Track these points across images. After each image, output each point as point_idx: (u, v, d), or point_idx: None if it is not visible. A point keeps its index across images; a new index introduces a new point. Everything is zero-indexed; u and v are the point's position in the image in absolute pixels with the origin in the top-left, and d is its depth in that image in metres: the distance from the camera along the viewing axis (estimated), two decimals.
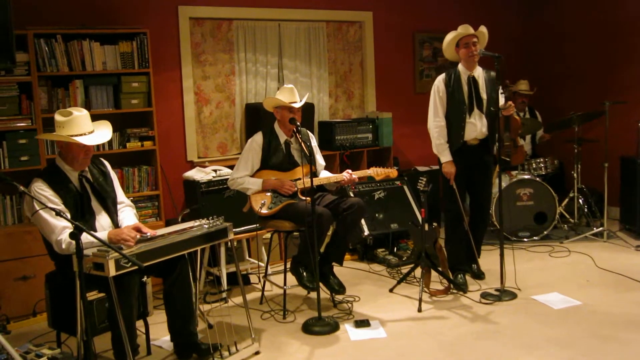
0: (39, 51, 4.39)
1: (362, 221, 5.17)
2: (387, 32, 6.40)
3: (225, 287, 4.60)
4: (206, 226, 3.40)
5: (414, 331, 3.84)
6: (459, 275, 4.60)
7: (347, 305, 4.27)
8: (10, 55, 3.96)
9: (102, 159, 3.53)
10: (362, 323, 3.93)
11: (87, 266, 2.87)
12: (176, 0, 5.26)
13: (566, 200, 6.07)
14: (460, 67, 4.53)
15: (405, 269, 4.85)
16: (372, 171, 4.25)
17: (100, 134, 3.31)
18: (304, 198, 4.08)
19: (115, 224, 3.38)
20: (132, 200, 3.72)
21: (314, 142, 4.41)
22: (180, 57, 5.30)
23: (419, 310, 4.14)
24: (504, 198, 4.58)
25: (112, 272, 2.85)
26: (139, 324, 3.45)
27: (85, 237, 2.79)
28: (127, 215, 3.47)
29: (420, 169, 6.31)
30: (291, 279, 4.22)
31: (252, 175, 4.20)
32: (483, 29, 4.47)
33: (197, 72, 5.45)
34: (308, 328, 3.88)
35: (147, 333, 3.62)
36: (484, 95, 4.50)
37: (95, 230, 3.24)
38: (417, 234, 4.43)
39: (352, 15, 6.20)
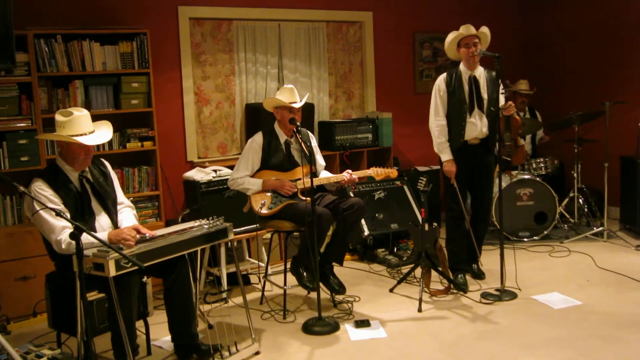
0: (39, 51, 4.39)
1: (362, 221, 5.17)
2: (387, 32, 6.40)
3: (226, 287, 4.60)
4: (206, 226, 3.40)
5: (414, 331, 3.84)
6: (459, 275, 4.60)
7: (347, 305, 4.27)
8: (10, 56, 3.95)
9: (102, 159, 3.52)
10: (362, 323, 3.93)
11: (87, 266, 2.87)
12: (176, 0, 5.26)
13: (566, 200, 6.07)
14: (461, 66, 4.54)
15: (405, 269, 4.85)
16: (372, 171, 4.25)
17: (101, 134, 3.31)
18: (304, 198, 4.08)
19: (115, 224, 3.38)
20: (132, 201, 3.72)
21: (314, 142, 4.41)
22: (180, 57, 5.30)
23: (419, 310, 4.14)
24: (504, 198, 4.58)
25: (112, 272, 2.85)
26: (139, 324, 3.45)
27: (85, 238, 2.80)
28: (127, 216, 3.47)
29: (420, 169, 6.31)
30: (291, 279, 4.22)
31: (252, 176, 4.20)
32: (485, 29, 4.47)
33: (197, 73, 5.45)
34: (308, 328, 3.89)
35: (147, 333, 3.62)
36: (484, 95, 4.51)
37: (95, 231, 3.23)
38: (417, 234, 4.43)
39: (352, 15, 6.20)
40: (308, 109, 5.42)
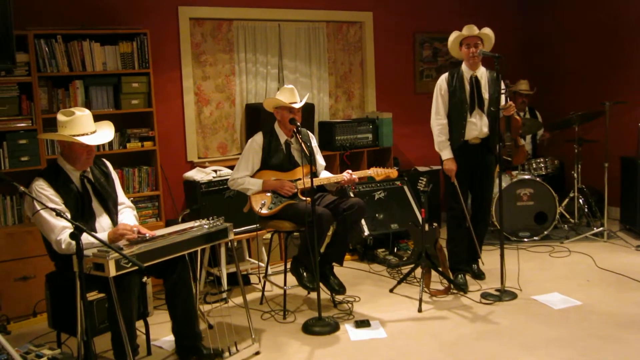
0: (39, 51, 4.39)
1: (363, 221, 5.17)
2: (387, 32, 6.40)
3: (226, 288, 4.60)
4: (206, 226, 3.40)
5: (414, 331, 3.84)
6: (459, 276, 4.60)
7: (348, 305, 4.27)
8: (10, 56, 3.95)
9: (104, 160, 3.52)
10: (363, 323, 3.93)
11: (87, 266, 2.87)
12: (176, 0, 5.26)
13: (566, 200, 6.07)
14: (463, 66, 4.56)
15: (405, 269, 4.85)
16: (372, 171, 4.25)
17: (103, 134, 3.32)
18: (304, 198, 4.08)
19: (116, 224, 3.37)
20: (132, 201, 3.72)
21: (314, 143, 4.41)
22: (180, 57, 5.30)
23: (419, 310, 4.14)
24: (504, 198, 4.58)
25: (113, 272, 2.85)
26: (139, 324, 3.45)
27: (85, 238, 2.80)
28: (127, 216, 3.47)
29: (421, 169, 6.31)
30: (291, 279, 4.22)
31: (253, 176, 4.20)
32: (487, 30, 4.46)
33: (197, 73, 5.45)
34: (308, 328, 3.89)
35: (147, 333, 3.62)
36: (485, 95, 4.52)
37: (96, 231, 3.23)
38: (417, 234, 4.43)
39: (352, 15, 6.20)
40: (308, 109, 5.42)
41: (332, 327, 3.87)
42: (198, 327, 3.47)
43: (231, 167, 4.58)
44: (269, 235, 4.81)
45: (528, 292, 4.37)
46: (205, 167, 5.16)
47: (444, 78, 4.60)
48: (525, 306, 4.16)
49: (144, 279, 3.51)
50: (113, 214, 3.40)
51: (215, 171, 4.92)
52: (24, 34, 4.30)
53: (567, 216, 6.10)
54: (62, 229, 3.05)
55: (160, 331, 3.86)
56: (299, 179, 4.14)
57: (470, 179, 4.62)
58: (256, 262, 4.97)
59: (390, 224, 5.41)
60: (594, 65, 6.63)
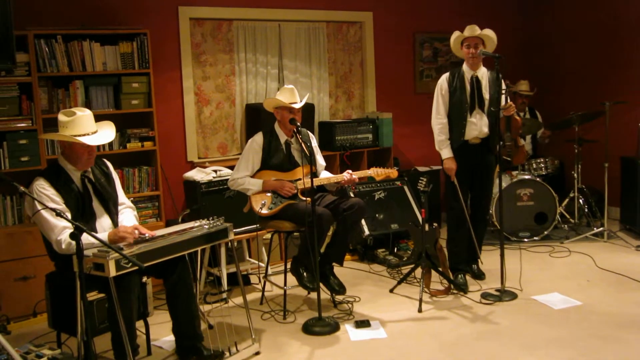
0: (39, 52, 4.39)
1: (363, 221, 5.17)
2: (387, 32, 6.40)
3: (226, 288, 4.60)
4: (206, 226, 3.40)
5: (415, 331, 3.84)
6: (459, 276, 4.61)
7: (348, 305, 4.27)
8: (10, 56, 3.95)
9: (104, 160, 3.52)
10: (363, 323, 3.93)
11: (87, 266, 2.87)
12: (176, 0, 5.26)
13: (566, 200, 6.07)
14: (464, 66, 4.57)
15: (405, 269, 4.85)
16: (373, 171, 4.25)
17: (104, 134, 3.32)
18: (304, 198, 4.08)
19: (116, 225, 3.38)
20: (132, 201, 3.72)
21: (314, 143, 4.41)
22: (180, 57, 5.30)
23: (419, 310, 4.14)
24: (504, 198, 4.58)
25: (113, 272, 2.85)
26: (139, 324, 3.45)
27: (85, 238, 2.80)
28: (127, 216, 3.47)
29: (421, 169, 6.31)
30: (291, 279, 4.22)
31: (253, 176, 4.20)
32: (488, 32, 4.46)
33: (197, 73, 5.45)
34: (308, 328, 3.89)
35: (147, 333, 3.62)
36: (486, 95, 4.53)
37: (96, 231, 3.24)
38: (417, 234, 4.43)
39: (352, 15, 6.20)
40: (308, 109, 5.42)
41: (332, 327, 3.87)
42: (199, 328, 3.47)
43: (231, 167, 4.58)
44: (269, 236, 4.81)
45: (528, 292, 4.37)
46: (205, 167, 5.16)
47: (444, 78, 4.61)
48: (525, 306, 4.16)
49: (144, 279, 3.51)
50: (113, 214, 3.40)
51: (216, 171, 4.92)
52: (24, 34, 4.30)
53: (567, 216, 6.10)
54: (62, 228, 3.06)
55: (160, 331, 3.86)
56: (299, 179, 4.14)
57: (470, 179, 4.63)
58: (256, 262, 4.97)
59: (391, 224, 5.41)
60: (594, 65, 6.63)
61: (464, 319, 4.00)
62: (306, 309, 4.31)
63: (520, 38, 7.21)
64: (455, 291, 4.45)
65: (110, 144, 4.74)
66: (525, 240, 5.72)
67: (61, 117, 3.21)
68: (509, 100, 4.45)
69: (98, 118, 3.38)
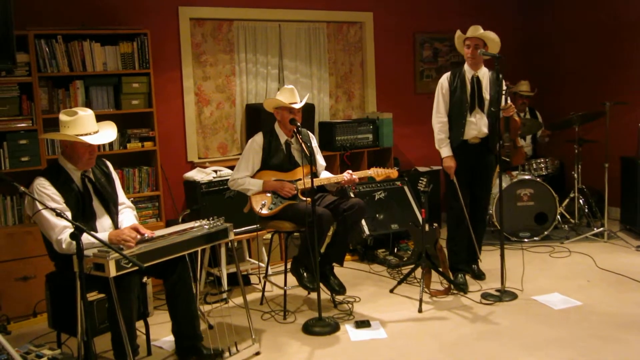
0: (40, 52, 4.39)
1: (363, 222, 5.17)
2: (387, 32, 6.40)
3: (226, 288, 4.60)
4: (207, 227, 3.40)
5: (415, 332, 3.84)
6: (459, 275, 4.61)
7: (348, 305, 4.27)
8: (10, 56, 3.95)
9: (104, 160, 3.52)
10: (363, 324, 3.93)
11: (88, 267, 2.87)
12: (177, 0, 5.26)
13: (567, 200, 6.07)
14: (465, 66, 4.58)
15: (405, 270, 4.85)
16: (373, 172, 4.25)
17: (106, 134, 3.32)
18: (304, 199, 4.08)
19: (116, 224, 3.38)
20: (132, 201, 3.72)
21: (315, 143, 4.41)
22: (180, 57, 5.30)
23: (420, 310, 4.14)
24: (504, 198, 4.58)
25: (113, 272, 2.85)
26: (139, 325, 3.45)
27: (85, 238, 2.80)
28: (127, 216, 3.47)
29: (421, 169, 6.31)
30: (291, 279, 4.22)
31: (253, 176, 4.20)
32: (491, 34, 4.45)
33: (197, 73, 5.45)
34: (308, 329, 3.89)
35: (147, 333, 3.62)
36: (486, 96, 4.54)
37: (96, 231, 3.24)
38: (417, 234, 4.43)
39: (353, 15, 6.20)
40: (308, 110, 5.42)
41: (332, 328, 3.87)
42: (199, 328, 3.47)
43: (231, 168, 4.58)
44: (269, 236, 4.81)
45: (528, 293, 4.37)
46: (205, 167, 5.16)
47: (445, 77, 4.63)
48: (526, 306, 4.16)
49: (144, 279, 3.51)
50: (114, 214, 3.40)
51: (216, 171, 4.92)
52: (24, 34, 4.30)
53: (568, 216, 6.10)
54: (62, 228, 3.06)
55: (160, 331, 3.86)
56: (299, 179, 4.14)
57: (469, 178, 4.63)
58: (256, 262, 4.97)
59: (391, 224, 5.41)
60: (594, 65, 6.63)
61: (464, 319, 4.00)
62: (306, 309, 4.31)
63: (520, 38, 7.21)
64: (455, 291, 4.45)
65: (111, 144, 4.74)
66: (526, 240, 5.72)
67: (63, 117, 3.21)
68: (509, 101, 4.46)
69: (98, 118, 3.38)
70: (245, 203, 4.25)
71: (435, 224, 4.39)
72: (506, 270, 4.29)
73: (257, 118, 5.23)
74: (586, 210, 6.07)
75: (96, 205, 3.33)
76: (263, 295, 4.53)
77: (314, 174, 3.96)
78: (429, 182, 4.30)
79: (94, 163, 3.34)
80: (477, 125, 4.54)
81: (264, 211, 4.09)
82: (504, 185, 5.52)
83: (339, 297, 4.37)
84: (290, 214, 4.09)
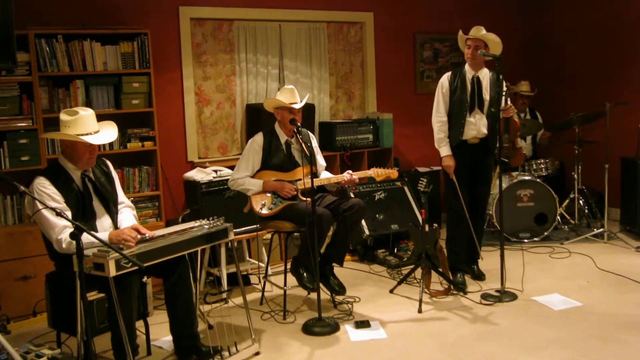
0: (40, 51, 4.39)
1: (363, 222, 5.17)
2: (387, 33, 6.40)
3: (226, 288, 4.60)
4: (206, 227, 3.40)
5: (414, 332, 3.84)
6: (458, 275, 4.61)
7: (348, 306, 4.27)
8: (11, 55, 3.96)
9: (104, 159, 3.52)
10: (363, 324, 3.93)
11: (87, 266, 2.87)
12: (177, 0, 5.26)
13: (567, 201, 6.07)
14: (466, 66, 4.59)
15: (405, 270, 4.85)
16: (373, 172, 4.25)
17: (106, 133, 3.32)
18: (304, 199, 4.08)
19: (116, 224, 3.38)
20: (132, 201, 3.72)
21: (315, 143, 4.41)
22: (181, 57, 5.30)
23: (419, 311, 4.14)
24: (504, 199, 4.58)
25: (113, 272, 2.85)
26: (139, 324, 3.46)
27: (85, 237, 2.80)
28: (126, 216, 3.47)
29: (421, 169, 6.31)
30: (291, 279, 4.22)
31: (253, 176, 4.20)
32: (491, 36, 4.46)
33: (197, 73, 5.45)
34: (308, 329, 3.88)
35: (147, 333, 3.62)
36: (486, 96, 4.54)
37: (96, 230, 3.24)
38: (417, 234, 4.44)
39: (353, 16, 6.20)
40: (309, 110, 5.42)
41: (332, 328, 3.87)
42: (196, 328, 3.47)
43: (231, 168, 4.58)
44: (269, 236, 4.81)
45: (528, 293, 4.37)
46: (205, 167, 5.16)
47: (446, 77, 4.64)
48: (525, 307, 4.16)
49: (144, 279, 3.51)
50: (114, 214, 3.39)
51: (216, 171, 4.92)
52: (24, 34, 4.30)
53: (568, 217, 6.10)
54: (62, 228, 3.05)
55: (160, 331, 3.86)
56: (300, 179, 4.14)
57: (469, 177, 4.64)
58: (256, 262, 4.97)
59: (391, 224, 5.41)
60: (595, 65, 6.63)
61: (464, 319, 3.99)
62: (306, 309, 4.31)
63: (520, 38, 7.21)
64: (455, 292, 4.45)
65: (111, 144, 4.74)
66: (526, 241, 5.72)
67: (63, 117, 3.21)
68: (509, 102, 4.46)
69: (99, 118, 3.38)
70: (245, 203, 4.25)
71: (435, 225, 4.39)
72: (506, 271, 4.29)
73: (257, 118, 5.23)
74: (586, 211, 6.07)
75: (96, 204, 3.32)
76: (263, 295, 4.53)
77: (314, 174, 3.96)
78: (429, 182, 4.30)
79: (94, 163, 3.34)
80: (477, 125, 4.54)
81: (264, 211, 4.09)
82: (504, 185, 5.53)
83: (339, 298, 4.37)
84: (290, 214, 4.09)
